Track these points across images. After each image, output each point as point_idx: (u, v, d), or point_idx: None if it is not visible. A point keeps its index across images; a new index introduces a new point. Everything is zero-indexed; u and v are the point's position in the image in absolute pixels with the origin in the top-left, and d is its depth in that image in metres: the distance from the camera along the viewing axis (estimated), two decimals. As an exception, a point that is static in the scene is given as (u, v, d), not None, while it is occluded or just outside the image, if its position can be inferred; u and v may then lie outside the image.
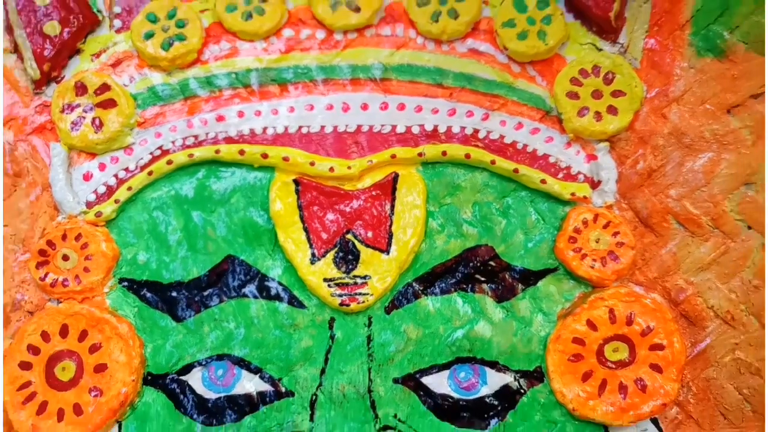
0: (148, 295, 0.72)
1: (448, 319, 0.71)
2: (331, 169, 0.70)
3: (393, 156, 0.71)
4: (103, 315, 0.71)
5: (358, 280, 0.70)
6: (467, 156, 0.71)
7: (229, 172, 0.72)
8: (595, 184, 0.71)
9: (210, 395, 0.70)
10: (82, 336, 0.70)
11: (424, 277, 0.72)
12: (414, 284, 0.71)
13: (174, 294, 0.72)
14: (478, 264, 0.72)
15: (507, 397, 0.70)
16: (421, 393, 0.70)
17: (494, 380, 0.70)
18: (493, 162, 0.71)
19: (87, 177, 0.72)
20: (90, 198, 0.72)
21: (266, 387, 0.70)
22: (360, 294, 0.70)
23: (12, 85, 0.76)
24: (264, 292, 0.71)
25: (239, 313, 0.71)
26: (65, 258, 0.71)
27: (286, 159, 0.70)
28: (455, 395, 0.70)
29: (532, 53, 0.72)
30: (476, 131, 0.72)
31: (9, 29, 0.74)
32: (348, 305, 0.70)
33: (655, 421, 0.70)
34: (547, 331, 0.71)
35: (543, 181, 0.71)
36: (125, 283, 0.72)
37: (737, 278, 0.70)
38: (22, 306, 0.73)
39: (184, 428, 0.70)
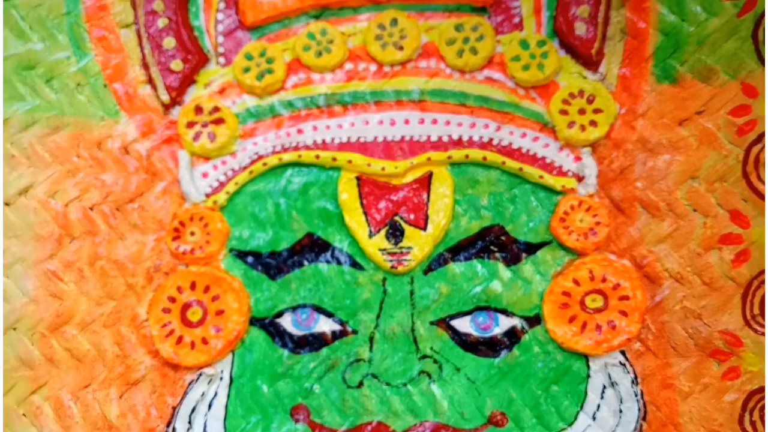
0: (251, 261, 0.87)
1: (470, 279, 0.85)
2: (383, 169, 0.85)
3: (428, 159, 0.86)
4: (220, 274, 0.86)
5: (404, 250, 0.85)
6: (484, 158, 0.86)
7: (308, 171, 0.88)
8: (580, 179, 0.85)
9: (297, 332, 0.85)
10: (206, 289, 0.85)
11: (452, 248, 0.86)
12: (445, 253, 0.85)
13: (269, 260, 0.87)
14: (493, 239, 0.85)
15: (513, 335, 0.84)
16: (450, 332, 0.85)
17: (504, 323, 0.84)
18: (503, 162, 0.85)
19: (205, 175, 0.88)
20: (207, 190, 0.87)
21: (337, 327, 0.85)
22: (405, 260, 0.84)
23: (148, 108, 0.89)
24: (335, 259, 0.86)
25: (317, 274, 0.86)
26: (192, 234, 0.86)
27: (349, 161, 0.86)
28: (475, 333, 0.84)
29: (533, 81, 0.86)
30: (491, 139, 0.86)
31: (145, 66, 0.88)
32: (396, 268, 0.84)
33: (623, 352, 0.83)
34: (544, 287, 0.85)
35: (541, 177, 0.85)
36: (234, 253, 0.87)
37: (685, 248, 0.83)
38: (160, 269, 0.87)
39: (278, 356, 0.85)
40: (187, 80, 0.89)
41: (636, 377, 0.82)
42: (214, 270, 0.87)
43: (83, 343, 0.86)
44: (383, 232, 0.85)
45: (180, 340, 0.85)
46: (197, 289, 0.86)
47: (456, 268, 0.85)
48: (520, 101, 0.86)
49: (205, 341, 0.85)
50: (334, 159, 0.86)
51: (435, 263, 0.85)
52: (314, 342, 0.85)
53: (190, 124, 0.88)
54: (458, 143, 0.86)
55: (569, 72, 0.87)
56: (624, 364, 0.83)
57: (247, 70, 0.88)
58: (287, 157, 0.87)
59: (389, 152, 0.86)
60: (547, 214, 0.85)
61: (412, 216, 0.85)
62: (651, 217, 0.84)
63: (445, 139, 0.86)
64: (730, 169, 0.81)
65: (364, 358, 0.85)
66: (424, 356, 0.84)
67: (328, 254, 0.86)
